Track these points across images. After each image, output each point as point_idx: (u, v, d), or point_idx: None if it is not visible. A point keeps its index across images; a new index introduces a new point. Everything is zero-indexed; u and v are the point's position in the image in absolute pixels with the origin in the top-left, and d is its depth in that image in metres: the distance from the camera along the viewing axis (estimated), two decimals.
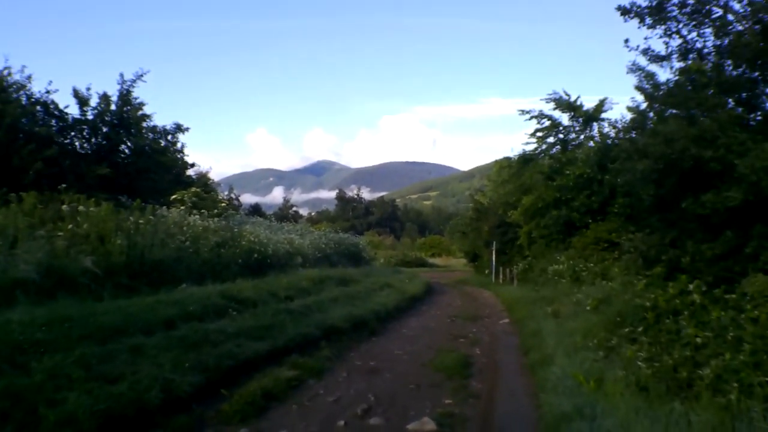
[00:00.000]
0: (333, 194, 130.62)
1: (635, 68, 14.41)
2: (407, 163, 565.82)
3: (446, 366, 9.37)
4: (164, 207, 17.62)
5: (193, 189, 25.84)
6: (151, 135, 23.39)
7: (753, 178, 7.98)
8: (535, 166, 26.71)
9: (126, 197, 17.52)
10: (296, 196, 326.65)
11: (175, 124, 24.67)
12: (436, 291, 26.54)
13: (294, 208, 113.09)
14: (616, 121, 21.16)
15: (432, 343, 11.71)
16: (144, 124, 22.88)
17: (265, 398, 7.27)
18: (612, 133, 24.47)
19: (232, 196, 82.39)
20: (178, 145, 33.28)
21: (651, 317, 8.99)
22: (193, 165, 36.15)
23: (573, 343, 9.63)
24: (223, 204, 27.57)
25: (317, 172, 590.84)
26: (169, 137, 24.95)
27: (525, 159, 27.46)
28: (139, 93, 22.48)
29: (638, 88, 14.96)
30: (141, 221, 13.17)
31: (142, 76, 23.03)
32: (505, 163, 29.04)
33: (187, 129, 25.36)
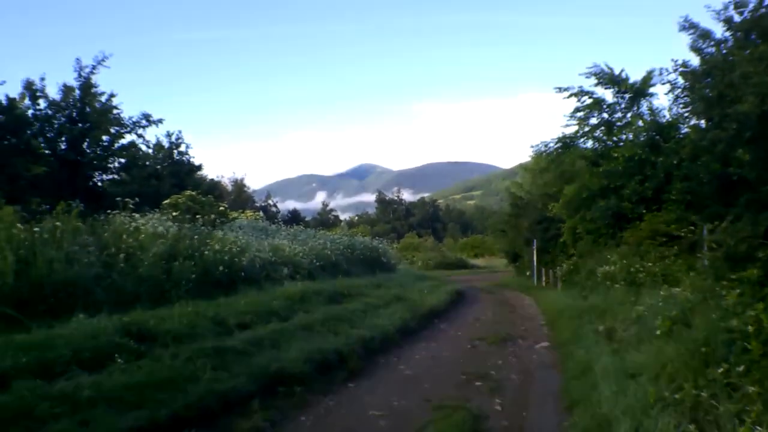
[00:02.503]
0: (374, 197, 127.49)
1: (688, 25, 13.18)
2: (449, 163, 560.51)
3: None
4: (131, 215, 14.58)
5: (188, 192, 22.96)
6: (115, 129, 20.41)
7: None
8: (576, 151, 23.20)
9: (78, 201, 14.27)
10: (339, 201, 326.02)
11: (143, 114, 21.55)
12: (467, 299, 22.89)
13: (333, 213, 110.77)
14: (686, 63, 16.31)
15: (433, 392, 8.04)
16: (111, 117, 19.95)
17: None
18: (664, 106, 21.01)
19: (270, 202, 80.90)
20: (183, 147, 30.88)
21: (756, 349, 5.45)
22: (200, 167, 33.55)
23: (641, 396, 5.99)
24: (222, 208, 24.47)
25: (360, 176, 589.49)
26: (141, 131, 21.94)
27: (565, 143, 23.68)
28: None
29: (694, 48, 13.52)
30: (37, 229, 9.94)
31: (103, 61, 20.19)
32: (542, 149, 25.20)
33: (160, 121, 22.29)
